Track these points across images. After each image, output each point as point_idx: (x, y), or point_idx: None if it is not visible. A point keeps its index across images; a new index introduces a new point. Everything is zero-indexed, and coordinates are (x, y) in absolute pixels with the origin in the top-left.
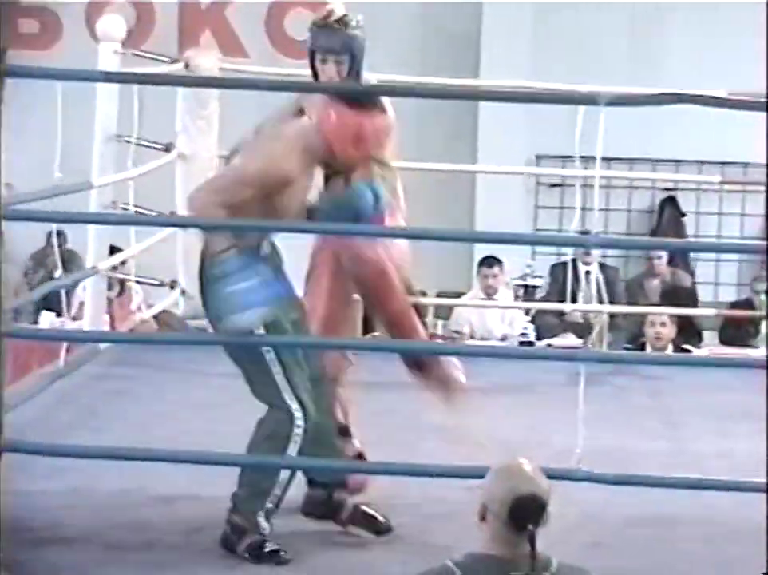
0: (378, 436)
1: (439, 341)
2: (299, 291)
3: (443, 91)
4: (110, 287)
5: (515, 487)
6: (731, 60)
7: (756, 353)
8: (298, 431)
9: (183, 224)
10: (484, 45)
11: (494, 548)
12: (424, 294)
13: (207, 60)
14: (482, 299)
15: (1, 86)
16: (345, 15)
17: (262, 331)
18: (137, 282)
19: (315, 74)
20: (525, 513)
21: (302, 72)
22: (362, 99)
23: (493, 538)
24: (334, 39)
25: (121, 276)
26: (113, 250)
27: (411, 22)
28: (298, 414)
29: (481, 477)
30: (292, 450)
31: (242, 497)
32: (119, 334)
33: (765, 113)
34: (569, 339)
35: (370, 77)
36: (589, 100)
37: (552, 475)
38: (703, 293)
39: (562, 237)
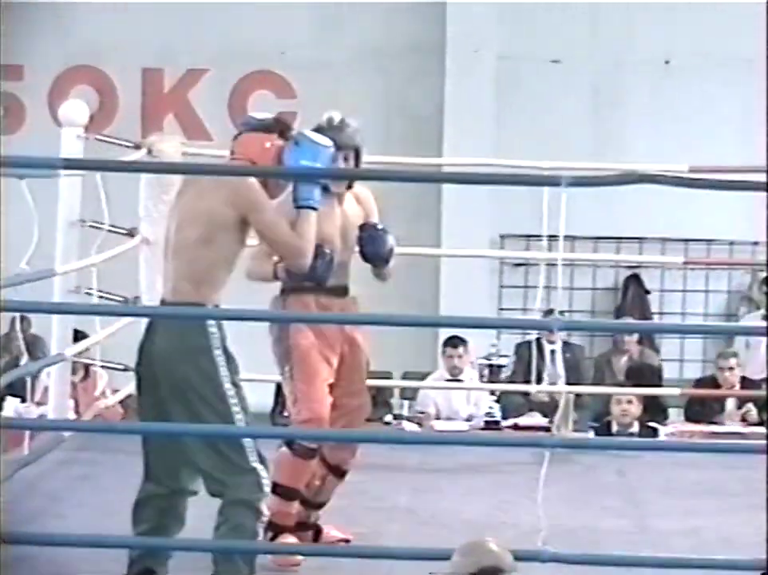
0: (346, 516)
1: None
2: None
3: (406, 174)
4: (74, 372)
5: (478, 562)
6: (692, 136)
7: (721, 429)
8: (267, 492)
9: (146, 313)
10: (447, 124)
11: None
12: (389, 375)
13: (170, 144)
14: (448, 379)
15: None
16: (343, 119)
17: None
18: (102, 367)
19: None
20: None
21: None
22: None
23: None
24: (340, 138)
25: (86, 361)
26: (78, 334)
27: (374, 102)
28: (264, 474)
29: (447, 559)
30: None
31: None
32: (83, 423)
33: (723, 191)
34: (535, 418)
35: None
36: (551, 182)
37: (517, 556)
38: (669, 370)
39: (527, 321)
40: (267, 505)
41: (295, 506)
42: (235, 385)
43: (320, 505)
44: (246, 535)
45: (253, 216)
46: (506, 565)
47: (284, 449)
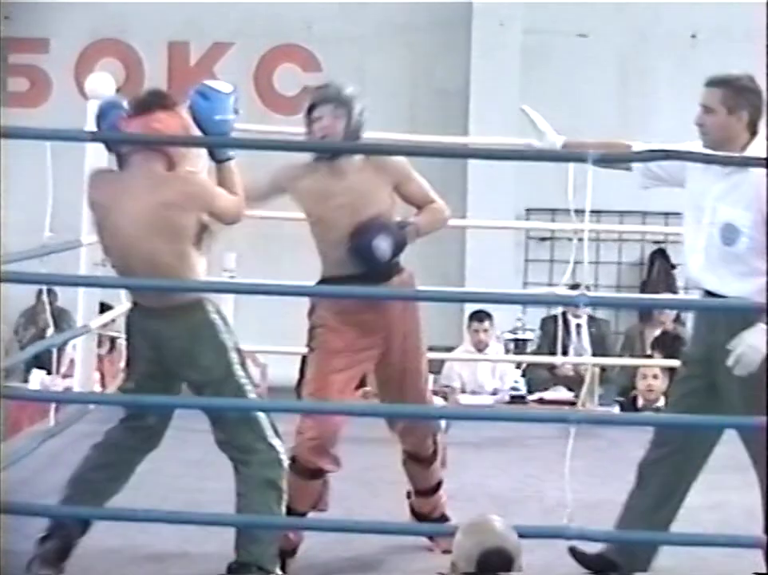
0: (369, 491)
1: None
2: None
3: (433, 149)
4: (100, 344)
5: (482, 542)
6: None
7: None
8: (286, 467)
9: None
10: (473, 101)
11: None
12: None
13: None
14: (473, 353)
15: None
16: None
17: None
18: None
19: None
20: (492, 566)
21: (291, 128)
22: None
23: None
24: (330, 92)
25: (111, 334)
26: (103, 307)
27: (400, 76)
28: (281, 449)
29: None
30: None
31: (258, 553)
32: (107, 396)
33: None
34: (560, 392)
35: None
36: (578, 158)
37: (543, 533)
38: None
39: (552, 297)
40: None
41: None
42: (243, 363)
43: (426, 492)
44: (270, 515)
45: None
46: (511, 545)
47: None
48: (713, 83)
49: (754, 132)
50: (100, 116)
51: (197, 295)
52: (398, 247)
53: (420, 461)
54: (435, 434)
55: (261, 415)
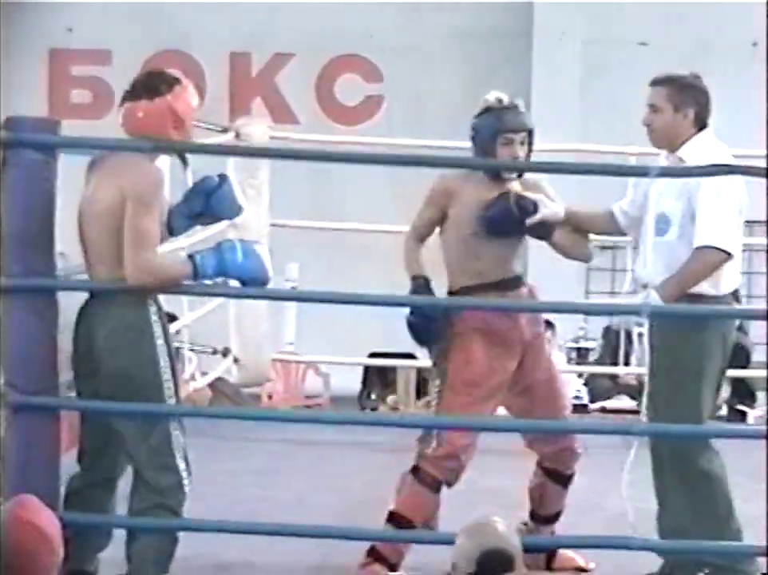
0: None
1: None
2: None
3: (492, 162)
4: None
5: (482, 543)
6: None
7: None
8: (186, 493)
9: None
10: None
11: None
12: None
13: (258, 128)
14: None
15: (54, 158)
16: (513, 99)
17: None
18: (191, 350)
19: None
20: (492, 567)
21: (351, 138)
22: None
23: None
24: (519, 119)
25: (175, 345)
26: (170, 318)
27: (461, 87)
28: (184, 475)
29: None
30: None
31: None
32: (174, 407)
33: None
34: (623, 401)
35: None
36: (640, 172)
37: (607, 544)
38: (757, 353)
39: (616, 306)
40: None
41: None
42: (172, 370)
43: (548, 519)
44: (165, 540)
45: (131, 210)
46: (511, 546)
47: (409, 475)
48: (658, 82)
49: (701, 128)
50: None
51: None
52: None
53: (562, 481)
54: (576, 452)
55: (176, 434)
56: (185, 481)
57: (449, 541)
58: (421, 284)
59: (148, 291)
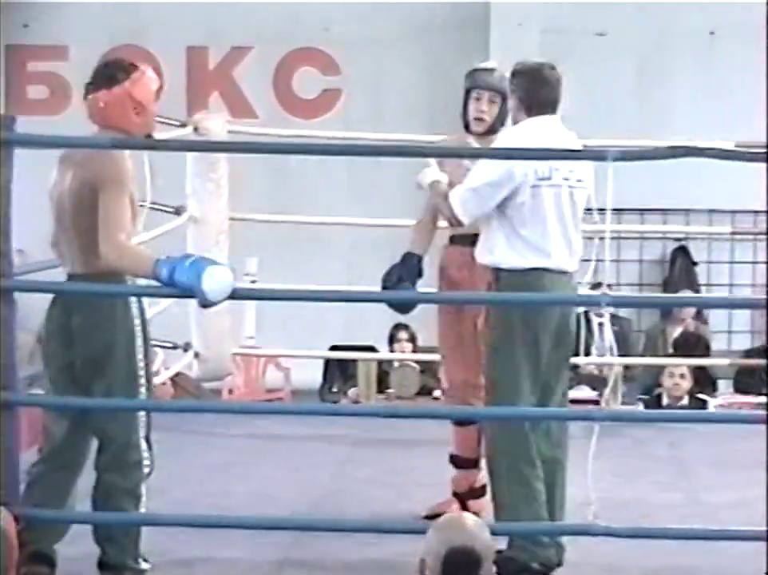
0: (396, 492)
1: None
2: None
3: (451, 150)
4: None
5: (449, 540)
6: (738, 108)
7: None
8: (146, 472)
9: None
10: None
11: None
12: (436, 350)
13: (216, 123)
14: None
15: (10, 155)
16: (495, 67)
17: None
18: (152, 345)
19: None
20: (458, 566)
21: (310, 131)
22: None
23: None
24: (490, 79)
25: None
26: None
27: (419, 78)
28: (146, 455)
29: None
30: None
31: (115, 552)
32: (132, 402)
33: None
34: (584, 392)
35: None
36: (598, 156)
37: (569, 530)
38: (717, 341)
39: (575, 296)
40: None
41: (471, 474)
42: (146, 356)
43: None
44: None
45: (102, 196)
46: (480, 545)
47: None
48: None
49: (531, 113)
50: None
51: None
52: None
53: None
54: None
55: (141, 415)
56: (146, 461)
57: (416, 531)
58: (406, 258)
59: (115, 274)
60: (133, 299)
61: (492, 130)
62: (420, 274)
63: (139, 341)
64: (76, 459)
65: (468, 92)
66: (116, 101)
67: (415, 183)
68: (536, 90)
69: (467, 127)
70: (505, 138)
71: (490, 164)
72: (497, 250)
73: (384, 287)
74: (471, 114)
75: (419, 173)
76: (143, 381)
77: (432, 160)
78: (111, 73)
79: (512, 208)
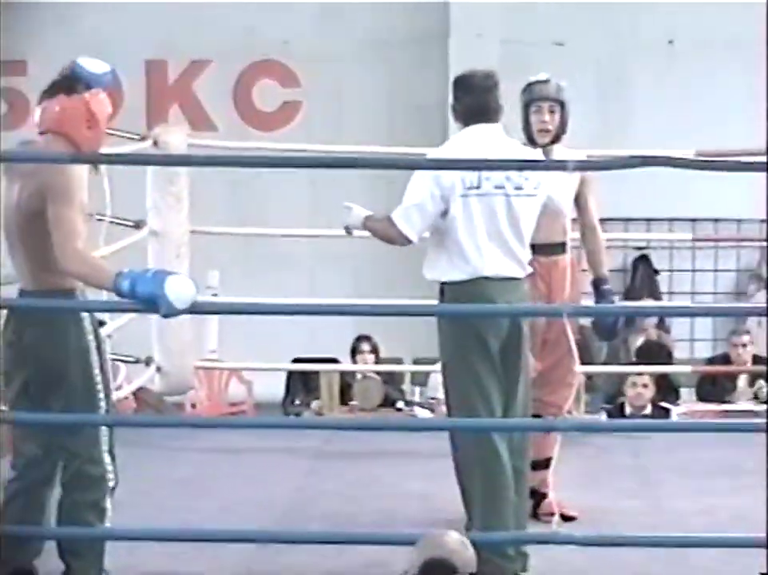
0: (359, 504)
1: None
2: None
3: (408, 161)
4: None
5: (427, 553)
6: (698, 117)
7: (733, 408)
8: (110, 486)
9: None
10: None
11: None
12: (400, 361)
13: (176, 136)
14: None
15: None
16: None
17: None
18: (113, 360)
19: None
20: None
21: (270, 144)
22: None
23: None
24: (546, 89)
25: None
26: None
27: (378, 91)
28: (109, 468)
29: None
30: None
31: (80, 567)
32: (95, 417)
33: (727, 172)
34: None
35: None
36: (558, 166)
37: (533, 539)
38: (679, 349)
39: (537, 307)
40: None
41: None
42: (102, 370)
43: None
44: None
45: (52, 206)
46: (458, 559)
47: None
48: None
49: (467, 122)
50: None
51: None
52: None
53: None
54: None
55: (102, 429)
56: (110, 475)
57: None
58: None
59: (66, 291)
60: (85, 315)
61: (556, 139)
62: None
63: (94, 356)
64: (47, 474)
65: (527, 106)
66: (73, 109)
67: (344, 228)
68: (464, 98)
69: (531, 140)
70: (439, 149)
71: (420, 176)
72: (437, 265)
73: None
74: (534, 127)
75: (345, 217)
76: (102, 396)
77: (350, 203)
78: (71, 83)
79: (445, 221)
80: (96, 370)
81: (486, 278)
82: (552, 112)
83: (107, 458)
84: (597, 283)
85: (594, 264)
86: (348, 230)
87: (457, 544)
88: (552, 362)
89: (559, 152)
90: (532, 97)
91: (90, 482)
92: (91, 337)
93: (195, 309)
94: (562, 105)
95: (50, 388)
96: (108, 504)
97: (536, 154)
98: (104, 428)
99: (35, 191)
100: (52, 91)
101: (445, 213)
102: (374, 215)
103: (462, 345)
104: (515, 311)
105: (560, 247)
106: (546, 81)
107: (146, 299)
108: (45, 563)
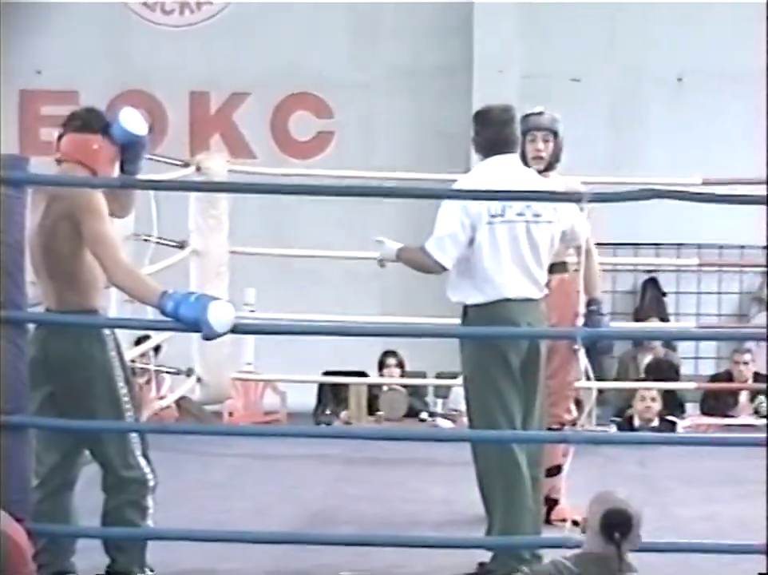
0: (386, 508)
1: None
2: None
3: (435, 192)
4: (134, 374)
5: (608, 504)
6: (705, 149)
7: (734, 421)
8: (150, 487)
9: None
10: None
11: (592, 551)
12: (424, 375)
13: (217, 163)
14: None
15: (24, 193)
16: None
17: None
18: (156, 371)
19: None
20: (613, 523)
21: (305, 171)
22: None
23: (590, 545)
24: (540, 120)
25: (141, 366)
26: (139, 340)
27: (406, 120)
28: (146, 470)
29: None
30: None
31: (124, 561)
32: (136, 425)
33: (734, 205)
34: None
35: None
36: (574, 198)
37: (547, 543)
38: (685, 367)
39: (554, 331)
40: None
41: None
42: (128, 382)
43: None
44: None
45: (88, 224)
46: (632, 509)
47: None
48: None
49: (487, 153)
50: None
51: None
52: None
53: None
54: None
55: (132, 436)
56: (149, 476)
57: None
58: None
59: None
60: (107, 332)
61: (549, 167)
62: None
63: (118, 371)
64: (69, 480)
65: (523, 135)
66: (107, 148)
67: (378, 262)
68: (484, 131)
69: (526, 167)
70: (464, 180)
71: (449, 206)
72: (461, 288)
73: None
74: (529, 155)
75: (379, 252)
76: (128, 406)
77: (381, 237)
78: (105, 121)
79: (472, 248)
80: (121, 383)
81: (508, 299)
82: (546, 141)
83: (142, 461)
84: (588, 304)
85: (588, 287)
86: (381, 263)
87: (629, 500)
88: (549, 374)
89: (554, 178)
90: (528, 127)
91: (129, 485)
92: (114, 353)
93: (234, 330)
94: (555, 134)
95: (76, 404)
96: (149, 502)
97: (551, 183)
98: (134, 435)
99: (63, 213)
100: (85, 126)
101: (472, 241)
102: (406, 246)
103: (485, 362)
104: (533, 335)
105: (561, 266)
106: (541, 113)
107: (189, 322)
108: (87, 558)
